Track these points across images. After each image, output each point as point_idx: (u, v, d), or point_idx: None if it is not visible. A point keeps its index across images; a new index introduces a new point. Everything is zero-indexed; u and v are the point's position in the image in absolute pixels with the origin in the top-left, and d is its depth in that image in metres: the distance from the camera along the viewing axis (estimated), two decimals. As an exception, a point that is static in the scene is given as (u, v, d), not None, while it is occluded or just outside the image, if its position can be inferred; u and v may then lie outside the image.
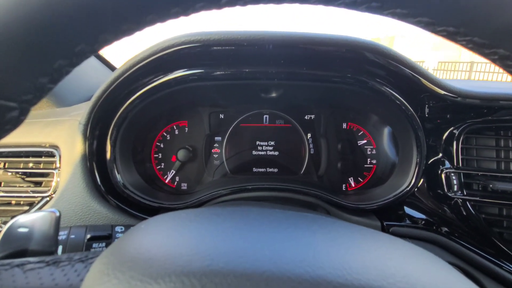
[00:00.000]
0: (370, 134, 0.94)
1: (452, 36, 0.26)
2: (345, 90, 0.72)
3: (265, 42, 0.60)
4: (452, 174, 0.74)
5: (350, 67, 0.69)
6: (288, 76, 0.68)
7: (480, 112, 0.73)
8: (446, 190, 0.74)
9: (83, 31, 0.23)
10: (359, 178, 0.94)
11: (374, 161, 0.94)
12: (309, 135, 0.94)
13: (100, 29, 0.23)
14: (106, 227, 0.54)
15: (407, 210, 0.82)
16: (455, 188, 0.73)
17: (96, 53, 0.26)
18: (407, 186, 0.76)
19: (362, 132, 0.94)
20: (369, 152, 0.94)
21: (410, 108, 0.71)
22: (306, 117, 0.94)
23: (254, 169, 0.93)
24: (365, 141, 0.94)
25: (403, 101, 0.70)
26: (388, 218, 0.79)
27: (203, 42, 0.61)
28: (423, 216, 0.80)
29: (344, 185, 0.94)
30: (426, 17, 0.25)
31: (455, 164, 0.74)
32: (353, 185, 0.94)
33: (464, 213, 0.74)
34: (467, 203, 0.73)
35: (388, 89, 0.69)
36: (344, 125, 0.94)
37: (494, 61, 0.27)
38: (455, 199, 0.74)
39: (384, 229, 0.75)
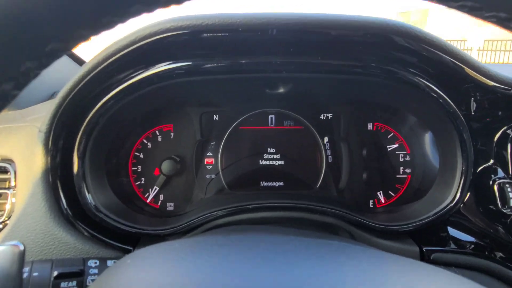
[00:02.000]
0: (403, 137, 0.95)
1: (503, 22, 0.27)
2: (370, 82, 0.74)
3: (268, 27, 0.61)
4: (507, 185, 0.75)
5: (375, 55, 0.70)
6: (299, 68, 0.69)
7: (539, 107, 0.74)
8: (499, 206, 0.75)
9: (55, 26, 0.24)
10: (390, 192, 0.95)
11: (408, 170, 0.95)
12: (326, 139, 0.95)
13: (76, 23, 0.24)
14: (77, 261, 0.55)
15: (452, 231, 0.83)
16: (511, 203, 0.74)
17: (69, 51, 0.27)
18: (451, 202, 0.77)
19: (392, 134, 0.95)
20: (402, 159, 0.95)
21: (451, 103, 0.72)
22: (322, 117, 0.95)
23: (259, 183, 0.94)
24: (396, 145, 0.95)
25: (443, 95, 0.71)
26: (428, 242, 0.79)
27: (193, 28, 0.62)
28: (472, 239, 0.81)
29: (371, 201, 0.95)
30: (470, 1, 0.26)
31: (511, 173, 0.75)
32: (382, 200, 0.95)
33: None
34: (527, 221, 0.74)
35: (423, 80, 0.70)
36: (370, 126, 0.95)
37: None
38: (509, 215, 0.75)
39: (424, 256, 0.76)
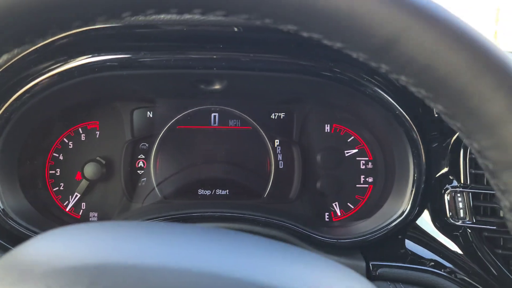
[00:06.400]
0: (365, 141, 1.16)
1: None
2: (312, 81, 0.94)
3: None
4: (458, 194, 0.96)
5: (312, 53, 0.91)
6: (231, 65, 0.89)
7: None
8: (449, 217, 0.97)
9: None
10: (348, 204, 1.16)
11: (370, 180, 1.16)
12: (277, 142, 1.15)
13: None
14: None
15: (410, 246, 1.04)
16: (461, 213, 0.96)
17: None
18: (401, 214, 0.98)
19: (352, 137, 1.16)
20: (363, 167, 1.16)
21: (394, 103, 0.93)
22: (272, 116, 1.16)
23: (198, 192, 1.14)
24: (356, 150, 1.16)
25: (386, 96, 0.92)
26: (380, 257, 1.00)
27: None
28: (432, 255, 1.02)
29: (327, 213, 1.16)
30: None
31: (462, 181, 0.97)
32: (339, 213, 1.16)
33: (475, 247, 0.96)
34: (478, 234, 0.96)
35: (362, 81, 0.91)
36: (327, 128, 1.16)
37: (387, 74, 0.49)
38: (463, 228, 0.97)
39: (370, 271, 0.96)
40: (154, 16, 0.66)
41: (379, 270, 0.97)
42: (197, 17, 0.73)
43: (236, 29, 0.88)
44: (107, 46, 0.90)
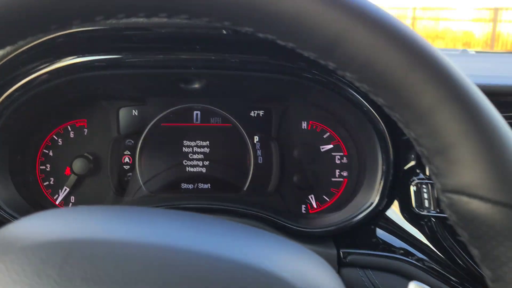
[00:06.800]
0: (341, 137, 1.21)
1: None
2: (289, 80, 0.99)
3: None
4: (424, 186, 1.02)
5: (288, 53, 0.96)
6: (207, 64, 0.95)
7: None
8: (415, 207, 1.02)
9: None
10: (324, 197, 1.21)
11: (345, 174, 1.22)
12: (256, 138, 1.20)
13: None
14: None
15: (382, 235, 1.09)
16: (426, 203, 1.01)
17: None
18: (370, 205, 1.04)
19: (328, 134, 1.22)
20: (338, 161, 1.22)
21: (359, 97, 0.98)
22: (252, 114, 1.21)
23: (181, 186, 1.19)
24: (331, 145, 1.21)
25: (351, 91, 0.98)
26: (352, 245, 1.05)
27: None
28: (402, 244, 1.08)
29: (303, 206, 1.21)
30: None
31: (428, 173, 1.02)
32: (315, 205, 1.21)
33: (439, 236, 1.02)
34: (441, 222, 1.01)
35: (332, 79, 0.97)
36: (304, 124, 1.22)
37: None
38: (428, 217, 1.02)
39: (340, 258, 1.02)
40: (125, 20, 0.71)
41: (349, 257, 1.02)
42: (165, 20, 0.79)
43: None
44: (92, 47, 0.95)
